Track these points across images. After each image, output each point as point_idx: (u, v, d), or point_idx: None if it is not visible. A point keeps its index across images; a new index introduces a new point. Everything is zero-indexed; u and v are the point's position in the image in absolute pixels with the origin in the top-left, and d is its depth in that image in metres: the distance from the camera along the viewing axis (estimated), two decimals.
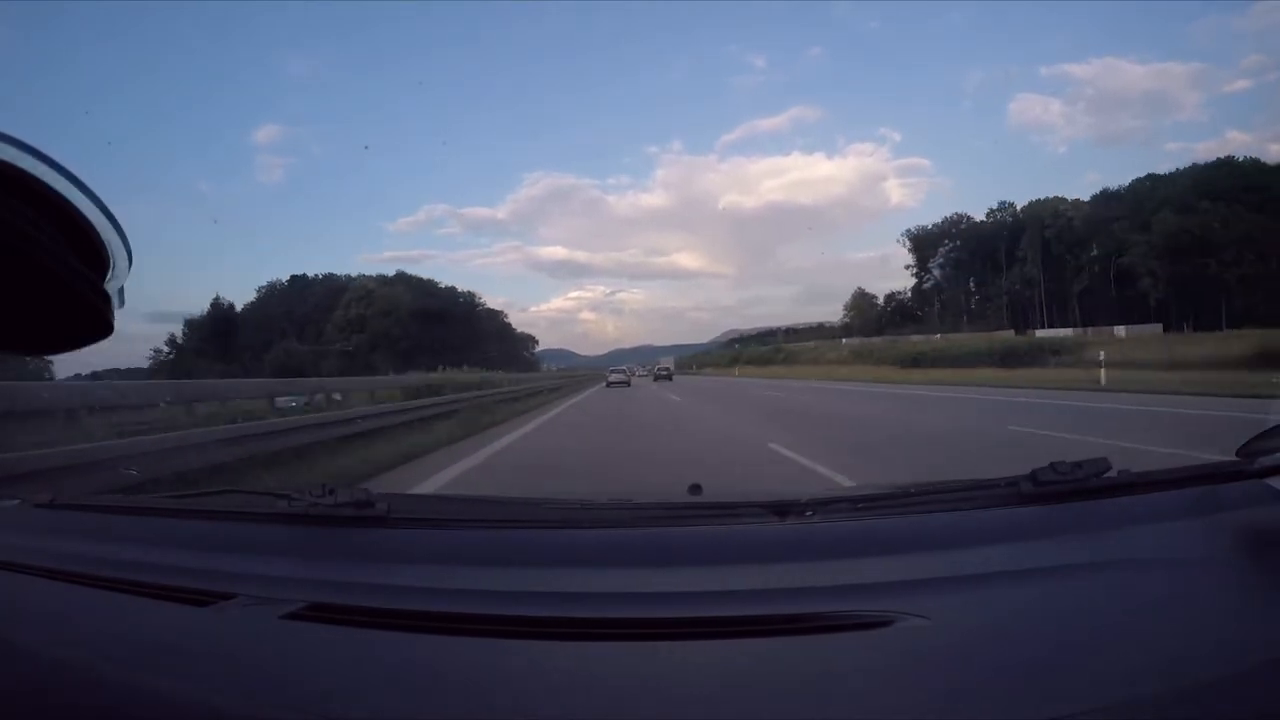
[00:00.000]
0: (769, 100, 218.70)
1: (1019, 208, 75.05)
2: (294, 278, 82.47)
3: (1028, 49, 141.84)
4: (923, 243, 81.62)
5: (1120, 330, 47.93)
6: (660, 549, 0.89)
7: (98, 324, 0.52)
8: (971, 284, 78.29)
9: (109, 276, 0.51)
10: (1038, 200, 73.08)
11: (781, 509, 0.94)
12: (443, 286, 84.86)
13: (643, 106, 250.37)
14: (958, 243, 78.16)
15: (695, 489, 1.23)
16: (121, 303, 0.53)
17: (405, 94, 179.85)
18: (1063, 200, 71.47)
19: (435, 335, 66.39)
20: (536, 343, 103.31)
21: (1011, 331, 58.78)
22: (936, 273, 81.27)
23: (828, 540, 0.89)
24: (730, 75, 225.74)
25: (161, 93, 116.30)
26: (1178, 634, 0.64)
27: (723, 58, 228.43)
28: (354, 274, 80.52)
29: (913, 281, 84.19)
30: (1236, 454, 0.94)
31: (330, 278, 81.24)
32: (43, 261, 0.46)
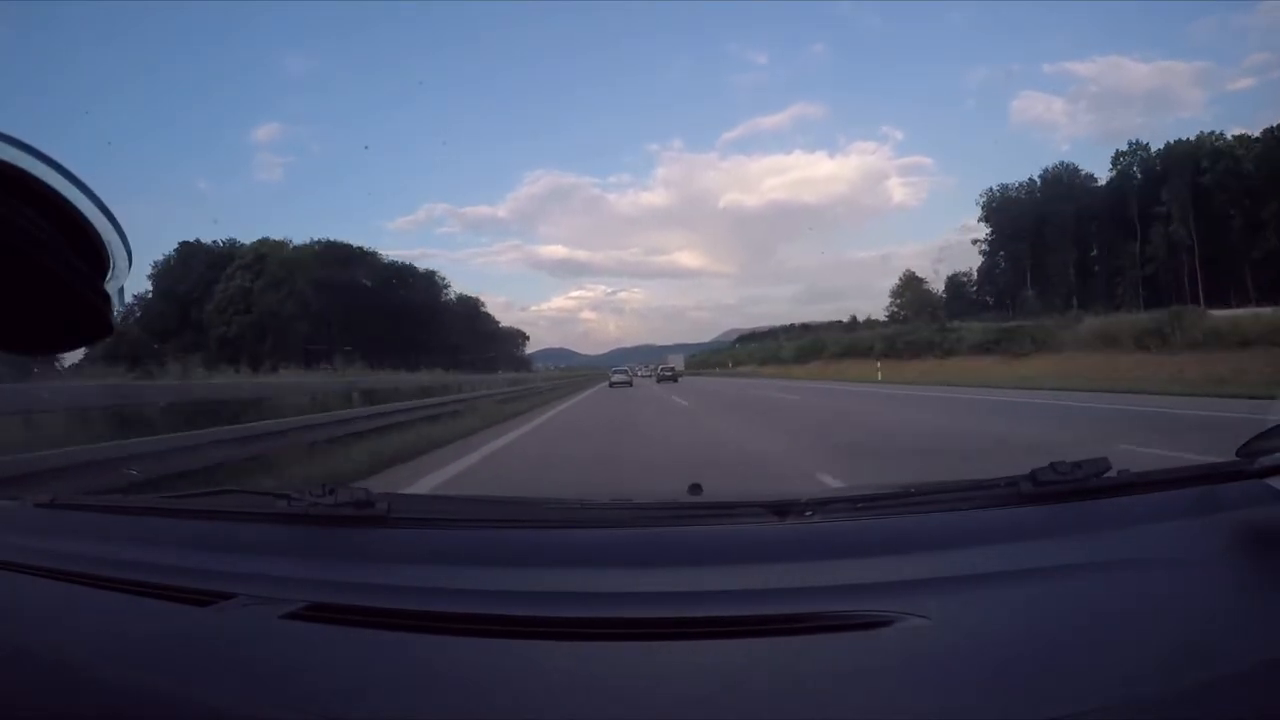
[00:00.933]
0: (770, 98, 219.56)
1: (1153, 151, 54.85)
2: (183, 244, 58.05)
3: (1030, 47, 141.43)
4: (1007, 208, 61.36)
5: None
6: (660, 549, 0.89)
7: (98, 324, 0.53)
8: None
9: (109, 276, 0.51)
10: (1184, 140, 53.59)
11: (781, 509, 0.94)
12: (388, 261, 62.80)
13: (643, 105, 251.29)
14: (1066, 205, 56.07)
15: (695, 489, 1.23)
16: (122, 303, 0.53)
17: (405, 94, 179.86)
18: (1220, 138, 51.73)
19: (365, 321, 49.02)
20: (526, 339, 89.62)
21: (1163, 312, 32.05)
22: (997, 251, 61.02)
23: (828, 540, 0.89)
24: (731, 73, 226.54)
25: (161, 93, 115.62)
26: (1178, 634, 0.64)
27: (724, 55, 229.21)
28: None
29: (979, 260, 65.30)
30: (1236, 454, 0.94)
31: (232, 244, 57.71)
32: (43, 261, 0.46)
